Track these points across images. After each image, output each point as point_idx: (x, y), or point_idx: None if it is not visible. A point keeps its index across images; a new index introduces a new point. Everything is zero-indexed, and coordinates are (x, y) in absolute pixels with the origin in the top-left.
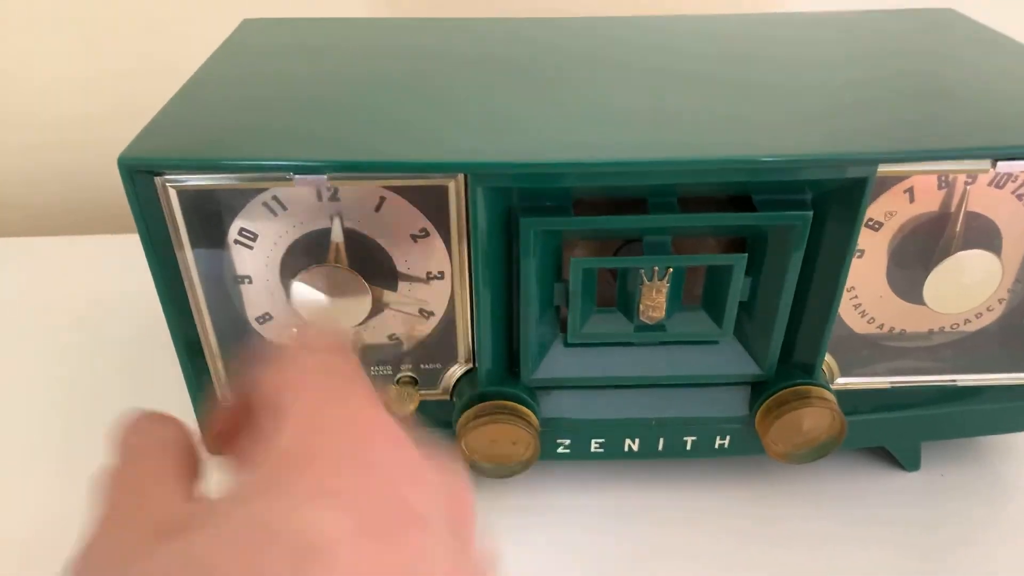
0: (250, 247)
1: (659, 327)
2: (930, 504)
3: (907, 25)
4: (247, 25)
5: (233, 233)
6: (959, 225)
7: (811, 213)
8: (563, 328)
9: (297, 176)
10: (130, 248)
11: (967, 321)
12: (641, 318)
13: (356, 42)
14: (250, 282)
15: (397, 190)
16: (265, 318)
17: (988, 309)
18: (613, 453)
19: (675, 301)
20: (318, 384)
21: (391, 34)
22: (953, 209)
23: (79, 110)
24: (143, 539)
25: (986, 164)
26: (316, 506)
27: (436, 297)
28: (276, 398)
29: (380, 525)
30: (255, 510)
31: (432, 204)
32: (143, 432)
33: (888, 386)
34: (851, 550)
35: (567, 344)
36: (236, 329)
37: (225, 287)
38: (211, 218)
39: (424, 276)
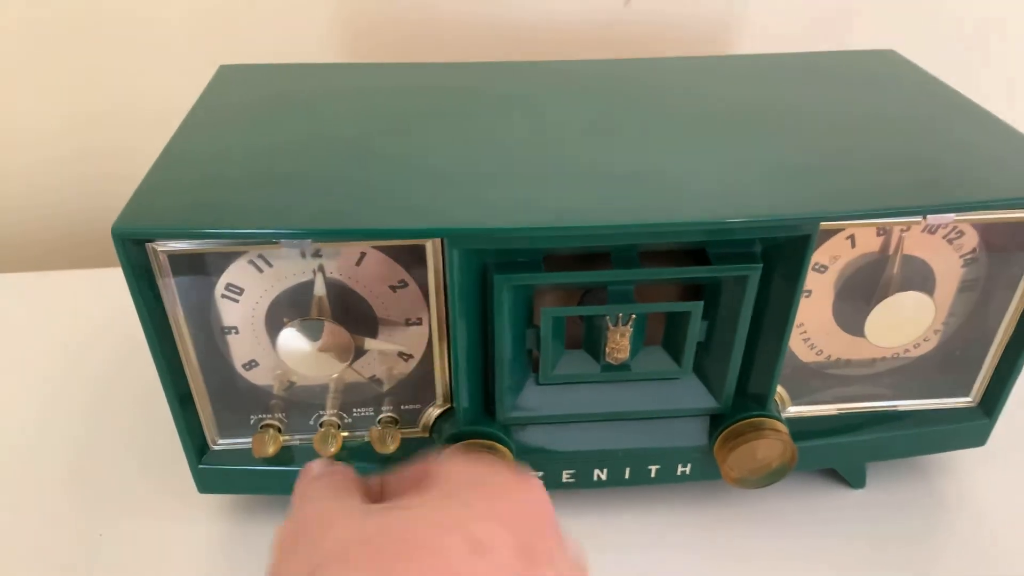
0: (236, 300)
1: (624, 367)
2: (875, 519)
3: (850, 69)
4: (224, 72)
5: (220, 288)
6: (896, 267)
7: (760, 266)
8: (535, 368)
9: (284, 241)
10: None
11: (906, 351)
12: (607, 359)
13: (333, 93)
14: (236, 332)
15: (378, 247)
16: (251, 364)
17: (924, 340)
18: (583, 483)
19: (638, 342)
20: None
21: (365, 82)
22: (891, 252)
23: (57, 154)
24: (349, 512)
25: (918, 218)
26: (487, 519)
27: (414, 341)
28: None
29: (530, 547)
30: (439, 507)
31: (410, 259)
32: (325, 469)
33: (835, 412)
34: (802, 566)
35: (539, 383)
36: (223, 375)
37: (213, 337)
38: (199, 276)
39: (403, 322)
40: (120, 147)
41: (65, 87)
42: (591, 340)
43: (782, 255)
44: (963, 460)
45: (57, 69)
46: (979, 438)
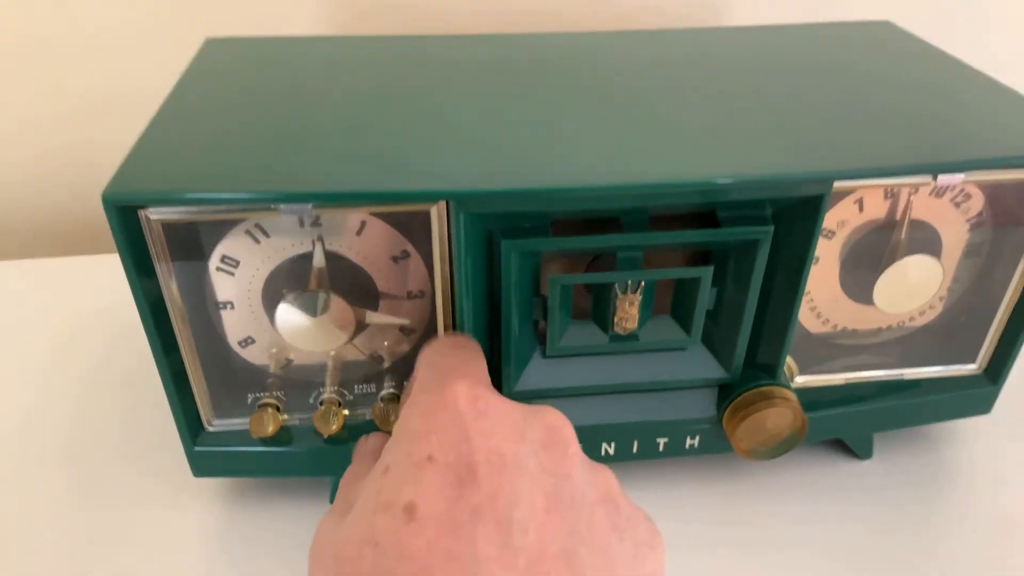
0: (232, 274)
1: (632, 337)
2: (884, 489)
3: (849, 39)
4: (211, 46)
5: (215, 261)
6: (904, 232)
7: (772, 228)
8: (542, 341)
9: (283, 206)
10: (99, 269)
11: (911, 319)
12: (615, 329)
13: (326, 63)
14: (232, 307)
15: (379, 215)
16: (247, 341)
17: (930, 307)
18: (590, 456)
19: (647, 311)
20: (429, 369)
21: (357, 54)
22: (898, 217)
23: (47, 139)
24: (337, 519)
25: (928, 178)
26: (412, 478)
27: (417, 314)
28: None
29: (461, 472)
30: (375, 490)
31: (413, 227)
32: (362, 443)
33: (843, 382)
34: (813, 537)
35: (545, 356)
36: (219, 353)
37: (208, 313)
38: (194, 247)
39: (405, 295)
40: (100, 134)
41: (44, 68)
42: (599, 310)
43: (793, 218)
44: (969, 428)
45: (34, 52)
46: (984, 405)
